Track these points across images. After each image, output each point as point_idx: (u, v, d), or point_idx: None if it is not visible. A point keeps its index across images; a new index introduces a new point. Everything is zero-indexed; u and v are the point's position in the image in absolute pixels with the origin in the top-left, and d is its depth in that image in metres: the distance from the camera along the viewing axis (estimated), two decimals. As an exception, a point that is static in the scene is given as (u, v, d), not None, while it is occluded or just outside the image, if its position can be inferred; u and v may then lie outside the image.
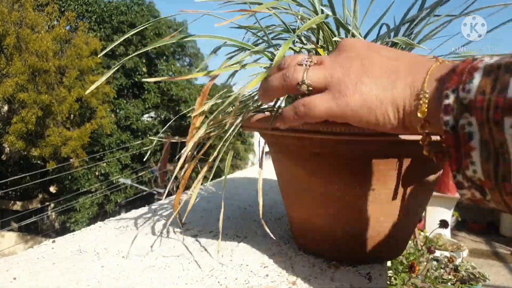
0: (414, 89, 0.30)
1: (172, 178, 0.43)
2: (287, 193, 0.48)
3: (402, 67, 0.32)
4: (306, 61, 0.34)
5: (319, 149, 0.40)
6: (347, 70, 0.32)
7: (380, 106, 0.31)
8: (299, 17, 0.45)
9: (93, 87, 0.43)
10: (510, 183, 0.25)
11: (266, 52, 0.45)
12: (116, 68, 0.46)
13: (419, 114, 0.29)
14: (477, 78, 0.25)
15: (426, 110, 0.29)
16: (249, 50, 0.44)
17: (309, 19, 0.44)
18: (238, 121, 0.43)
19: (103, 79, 0.43)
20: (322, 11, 0.46)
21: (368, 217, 0.42)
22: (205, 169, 0.43)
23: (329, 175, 0.41)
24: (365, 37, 0.49)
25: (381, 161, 0.40)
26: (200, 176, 0.44)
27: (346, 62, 0.33)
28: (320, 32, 0.45)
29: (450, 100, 0.26)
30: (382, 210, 0.42)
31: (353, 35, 0.45)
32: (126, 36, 0.46)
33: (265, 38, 0.48)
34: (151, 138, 0.51)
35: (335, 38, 0.44)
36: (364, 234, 0.44)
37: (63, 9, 11.44)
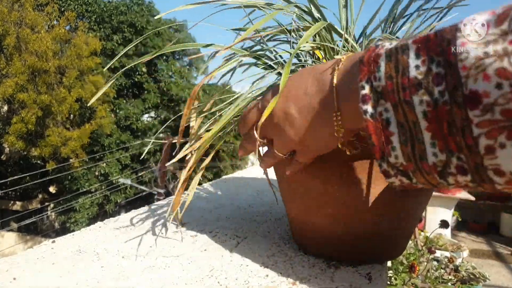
0: (329, 112, 0.33)
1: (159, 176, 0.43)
2: (287, 194, 0.48)
3: (313, 97, 0.34)
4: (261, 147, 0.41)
5: None
6: (284, 135, 0.38)
7: (320, 137, 0.35)
8: (295, 16, 0.45)
9: (99, 93, 0.43)
10: (427, 162, 0.26)
11: (260, 55, 0.45)
12: (119, 74, 0.46)
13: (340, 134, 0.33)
14: (382, 65, 0.27)
15: (341, 129, 0.32)
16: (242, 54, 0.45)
17: (304, 20, 0.44)
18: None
19: (108, 85, 0.43)
20: (320, 18, 0.45)
21: (367, 217, 0.42)
22: (202, 169, 0.42)
23: (329, 175, 0.41)
24: (360, 36, 0.49)
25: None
26: (197, 177, 0.44)
27: (277, 130, 0.38)
28: (316, 35, 0.45)
29: (366, 90, 0.28)
30: (381, 210, 0.42)
31: (346, 40, 0.45)
32: (133, 44, 0.46)
33: (259, 39, 0.48)
34: (147, 140, 0.50)
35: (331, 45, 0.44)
36: (363, 234, 0.44)
37: (63, 9, 11.44)
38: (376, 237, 0.44)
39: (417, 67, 0.25)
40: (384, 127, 0.27)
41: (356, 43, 0.46)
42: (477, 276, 1.30)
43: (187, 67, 13.97)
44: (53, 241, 0.52)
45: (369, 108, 0.28)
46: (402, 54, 0.26)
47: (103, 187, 11.00)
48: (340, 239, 0.44)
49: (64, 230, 10.50)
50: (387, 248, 0.47)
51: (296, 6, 0.44)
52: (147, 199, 11.23)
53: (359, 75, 0.28)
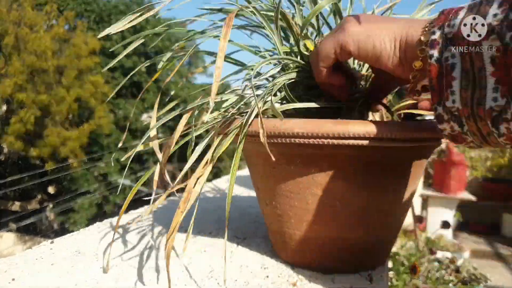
0: (414, 25, 0.32)
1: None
2: (288, 208, 0.43)
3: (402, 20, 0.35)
4: None
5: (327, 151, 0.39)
6: (348, 21, 0.36)
7: (378, 34, 0.34)
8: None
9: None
10: (484, 107, 0.27)
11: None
12: (131, 74, 0.46)
13: (422, 38, 0.31)
14: (461, 14, 0.28)
15: (425, 40, 0.30)
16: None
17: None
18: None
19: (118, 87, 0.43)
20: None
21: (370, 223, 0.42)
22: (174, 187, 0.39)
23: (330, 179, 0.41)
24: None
25: (381, 167, 0.39)
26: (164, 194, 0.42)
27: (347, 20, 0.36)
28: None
29: (436, 35, 0.29)
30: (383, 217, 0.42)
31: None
32: (134, 45, 0.46)
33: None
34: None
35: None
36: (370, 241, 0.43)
37: (61, 8, 11.42)
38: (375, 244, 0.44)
39: (495, 15, 0.26)
40: (448, 72, 0.28)
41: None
42: (478, 277, 1.29)
43: (187, 66, 13.96)
44: (52, 242, 0.52)
45: (435, 53, 0.29)
46: (486, 5, 0.27)
47: (102, 187, 10.98)
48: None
49: (63, 230, 10.47)
50: (386, 252, 0.47)
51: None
52: (146, 200, 11.15)
53: (434, 22, 0.30)
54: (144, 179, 0.41)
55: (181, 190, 0.42)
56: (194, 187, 0.35)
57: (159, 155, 0.41)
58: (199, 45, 0.45)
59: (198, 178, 0.36)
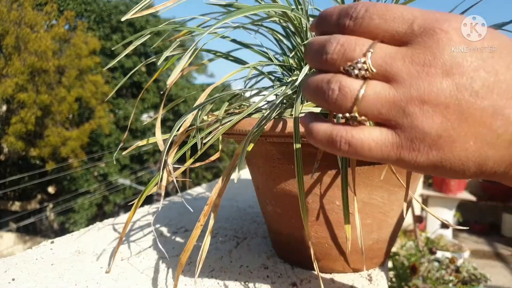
0: None
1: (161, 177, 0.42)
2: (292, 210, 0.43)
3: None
4: (360, 66, 0.20)
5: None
6: (447, 114, 0.20)
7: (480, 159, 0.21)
8: None
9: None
10: None
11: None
12: (133, 71, 0.46)
13: None
14: None
15: None
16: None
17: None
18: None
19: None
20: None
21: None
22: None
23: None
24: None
25: (382, 166, 0.39)
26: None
27: (443, 93, 0.20)
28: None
29: None
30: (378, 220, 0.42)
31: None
32: (134, 46, 0.46)
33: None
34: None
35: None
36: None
37: (62, 8, 11.42)
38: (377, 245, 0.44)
39: None
40: None
41: None
42: (478, 276, 1.29)
43: (187, 66, 13.91)
44: (52, 242, 0.52)
45: None
46: None
47: (102, 187, 10.99)
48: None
49: (63, 230, 10.48)
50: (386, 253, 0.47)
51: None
52: (146, 200, 11.15)
53: None
54: (155, 182, 0.41)
55: (183, 189, 0.42)
56: (215, 199, 0.35)
57: (162, 152, 0.41)
58: (196, 44, 0.45)
59: (219, 189, 0.36)
